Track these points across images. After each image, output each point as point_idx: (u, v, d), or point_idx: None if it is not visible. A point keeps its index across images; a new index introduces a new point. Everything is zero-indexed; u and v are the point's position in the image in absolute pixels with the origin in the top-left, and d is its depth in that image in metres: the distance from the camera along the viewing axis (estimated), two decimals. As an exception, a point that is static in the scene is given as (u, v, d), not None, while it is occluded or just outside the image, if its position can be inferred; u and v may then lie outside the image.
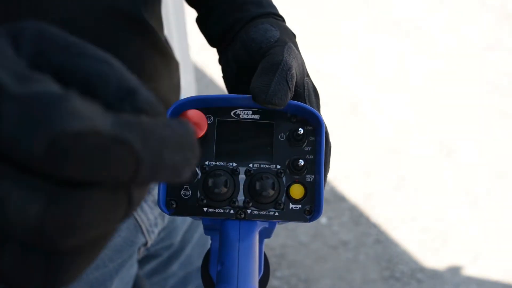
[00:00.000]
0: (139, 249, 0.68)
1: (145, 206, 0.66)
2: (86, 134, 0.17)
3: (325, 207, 2.10)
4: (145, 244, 0.68)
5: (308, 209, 0.41)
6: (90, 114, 0.17)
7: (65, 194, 0.17)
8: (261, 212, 0.40)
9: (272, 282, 1.86)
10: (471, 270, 1.91)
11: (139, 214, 0.66)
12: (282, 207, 0.40)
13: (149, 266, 0.74)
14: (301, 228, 2.03)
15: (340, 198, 2.16)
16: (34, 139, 0.16)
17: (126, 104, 0.20)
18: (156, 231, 0.69)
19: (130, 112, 0.20)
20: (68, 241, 0.18)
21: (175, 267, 0.76)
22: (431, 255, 1.96)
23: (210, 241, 0.42)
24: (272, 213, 0.40)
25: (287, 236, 2.01)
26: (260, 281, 0.41)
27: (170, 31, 1.82)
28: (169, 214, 0.40)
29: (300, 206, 0.41)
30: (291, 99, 0.41)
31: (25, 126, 0.16)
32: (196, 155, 0.20)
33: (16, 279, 0.19)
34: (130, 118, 0.18)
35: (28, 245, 0.18)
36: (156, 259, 0.74)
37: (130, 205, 0.19)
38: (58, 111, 0.17)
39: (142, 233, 0.67)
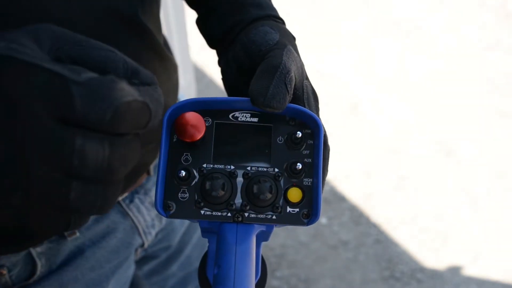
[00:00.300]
0: (136, 250, 0.68)
1: (142, 207, 0.66)
2: (132, 103, 0.26)
3: (325, 207, 2.10)
4: (142, 245, 0.68)
5: (305, 212, 0.41)
6: (129, 90, 0.26)
7: (119, 141, 0.26)
8: (259, 216, 0.40)
9: (272, 282, 1.86)
10: (471, 270, 1.91)
11: (136, 215, 0.66)
12: (279, 210, 0.40)
13: (147, 267, 0.74)
14: (301, 228, 2.03)
15: (340, 198, 2.16)
16: (103, 110, 0.25)
17: (135, 80, 0.29)
18: (153, 232, 0.69)
19: (139, 85, 0.29)
20: (124, 172, 0.27)
21: (174, 267, 0.76)
22: (431, 255, 1.96)
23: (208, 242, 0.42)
24: (269, 216, 0.40)
25: (287, 236, 2.01)
26: (257, 285, 0.41)
27: (170, 31, 1.82)
28: (166, 217, 0.40)
29: (297, 209, 0.41)
30: (290, 102, 0.41)
31: (93, 103, 0.24)
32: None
33: (82, 206, 0.27)
34: (145, 89, 0.28)
35: (88, 181, 0.26)
36: (154, 260, 0.74)
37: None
38: (115, 90, 0.25)
39: (139, 234, 0.67)
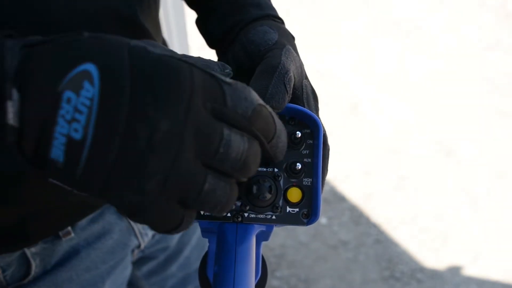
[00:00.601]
0: (132, 251, 0.68)
1: None
2: (264, 106, 0.30)
3: (325, 207, 2.10)
4: (139, 246, 0.68)
5: (305, 212, 0.41)
6: (259, 97, 0.31)
7: (254, 140, 0.30)
8: (258, 216, 0.40)
9: (272, 282, 1.86)
10: (471, 270, 1.91)
11: None
12: (279, 210, 0.40)
13: (146, 267, 0.74)
14: (301, 228, 2.03)
15: (340, 198, 2.16)
16: (246, 107, 0.29)
17: (226, 69, 0.36)
18: (150, 233, 0.69)
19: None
20: (252, 171, 0.30)
21: (173, 268, 0.76)
22: (431, 255, 1.96)
23: (208, 243, 0.42)
24: (269, 216, 0.40)
25: (287, 236, 2.01)
26: (257, 284, 0.41)
27: (170, 31, 1.82)
28: None
29: (297, 209, 0.41)
30: (289, 102, 0.41)
31: (239, 100, 0.29)
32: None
33: (211, 200, 0.29)
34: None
35: (221, 177, 0.29)
36: (152, 261, 0.74)
37: None
38: (252, 93, 0.30)
39: (135, 235, 0.67)
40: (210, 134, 0.28)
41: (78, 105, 0.26)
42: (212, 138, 0.28)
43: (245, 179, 0.31)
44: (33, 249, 0.57)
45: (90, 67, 0.27)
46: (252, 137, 0.30)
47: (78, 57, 0.27)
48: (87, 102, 0.26)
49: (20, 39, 0.29)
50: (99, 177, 0.27)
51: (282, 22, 0.50)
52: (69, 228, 0.59)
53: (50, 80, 0.27)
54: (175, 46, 1.88)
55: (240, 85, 0.30)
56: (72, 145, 0.26)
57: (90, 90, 0.26)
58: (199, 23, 0.54)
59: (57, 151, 0.27)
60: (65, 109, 0.26)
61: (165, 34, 1.74)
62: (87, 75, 0.26)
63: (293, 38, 0.48)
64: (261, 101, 0.30)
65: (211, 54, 0.52)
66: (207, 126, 0.28)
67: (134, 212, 0.28)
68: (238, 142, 0.29)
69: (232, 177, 0.30)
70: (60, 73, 0.27)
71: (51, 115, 0.26)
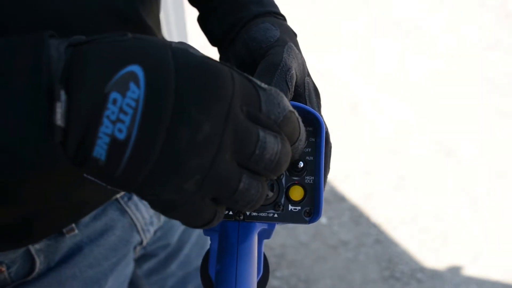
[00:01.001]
0: (135, 248, 0.68)
1: (140, 205, 0.66)
2: (293, 113, 0.32)
3: (325, 207, 2.10)
4: (141, 243, 0.68)
5: (307, 210, 0.40)
6: (287, 100, 0.32)
7: (285, 140, 0.31)
8: (260, 214, 0.40)
9: (272, 282, 1.86)
10: (471, 270, 1.91)
11: (134, 213, 0.66)
12: (281, 208, 0.40)
13: (147, 266, 0.74)
14: (301, 228, 2.03)
15: (340, 198, 2.16)
16: (278, 113, 0.31)
17: None
18: (152, 230, 0.69)
19: None
20: (282, 170, 0.31)
21: (173, 267, 0.76)
22: (431, 255, 1.96)
23: (208, 241, 0.42)
24: (271, 214, 0.40)
25: (287, 236, 2.01)
26: (259, 282, 0.40)
27: (170, 31, 1.82)
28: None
29: (299, 207, 0.40)
30: (292, 99, 0.41)
31: (273, 106, 0.30)
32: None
33: (244, 198, 0.30)
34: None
35: (255, 176, 0.30)
36: (153, 258, 0.74)
37: None
38: (284, 99, 0.31)
39: (138, 232, 0.67)
40: (247, 136, 0.29)
41: (123, 106, 0.27)
42: (249, 140, 0.29)
43: (275, 177, 0.32)
44: (37, 246, 0.57)
45: (136, 68, 0.27)
46: (283, 138, 0.31)
47: (124, 59, 0.28)
48: (133, 103, 0.27)
49: (64, 39, 0.29)
50: (139, 176, 0.28)
51: (284, 19, 0.50)
52: (73, 225, 0.59)
53: (97, 82, 0.27)
54: (175, 45, 1.88)
55: (274, 90, 0.31)
56: (115, 145, 0.27)
57: (135, 92, 0.27)
58: (201, 21, 0.53)
59: (100, 150, 0.27)
60: (111, 110, 0.27)
61: (165, 34, 1.73)
62: (133, 76, 0.27)
63: (295, 35, 0.48)
64: (291, 108, 0.32)
65: (212, 52, 0.52)
66: (244, 129, 0.29)
67: (169, 209, 0.29)
68: (272, 144, 0.30)
69: (264, 176, 0.31)
70: (106, 75, 0.27)
71: (97, 115, 0.27)
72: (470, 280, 1.88)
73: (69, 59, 0.28)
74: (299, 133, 0.33)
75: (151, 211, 0.68)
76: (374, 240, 2.01)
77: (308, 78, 0.44)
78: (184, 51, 0.29)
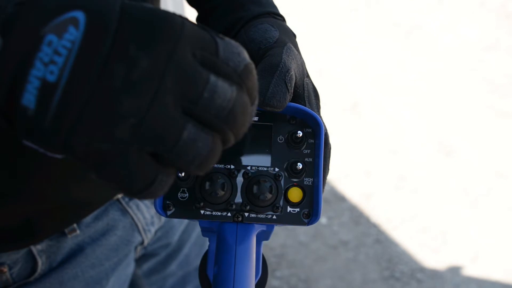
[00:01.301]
0: (136, 248, 0.68)
1: (141, 205, 0.66)
2: (254, 68, 0.29)
3: (325, 207, 2.10)
4: (142, 243, 0.68)
5: (306, 212, 0.40)
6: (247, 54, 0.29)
7: (244, 92, 0.28)
8: (259, 215, 0.40)
9: (272, 282, 1.86)
10: (471, 270, 1.91)
11: (135, 213, 0.66)
12: (280, 210, 0.40)
13: (147, 265, 0.74)
14: (301, 228, 2.03)
15: (340, 198, 2.16)
16: (239, 61, 0.28)
17: None
18: (153, 229, 0.69)
19: None
20: (242, 123, 0.28)
21: (173, 266, 0.76)
22: (431, 255, 1.96)
23: (208, 241, 0.42)
24: (269, 216, 0.40)
25: (287, 236, 2.01)
26: (257, 284, 0.40)
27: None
28: (166, 217, 0.40)
29: (298, 209, 0.40)
30: (291, 101, 0.41)
31: (232, 54, 0.28)
32: None
33: (189, 150, 0.26)
34: None
35: (204, 127, 0.27)
36: (154, 258, 0.74)
37: None
38: (245, 51, 0.29)
39: (139, 232, 0.67)
40: (194, 77, 0.26)
41: (58, 48, 0.25)
42: (195, 82, 0.26)
43: (233, 138, 0.28)
44: (39, 247, 0.57)
45: (79, 14, 0.25)
46: (241, 90, 0.28)
47: (67, 5, 0.26)
48: (68, 45, 0.25)
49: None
50: (67, 122, 0.24)
51: (283, 19, 0.50)
52: (75, 225, 0.59)
53: (34, 25, 0.25)
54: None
55: (234, 41, 0.29)
56: (45, 89, 0.24)
57: (73, 34, 0.25)
58: (200, 21, 0.53)
59: (30, 96, 0.25)
60: (45, 52, 0.25)
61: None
62: (74, 21, 0.25)
63: (294, 35, 0.47)
64: (252, 62, 0.29)
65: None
66: (191, 70, 0.26)
67: (101, 163, 0.25)
68: (225, 89, 0.27)
69: (217, 131, 0.27)
70: (46, 19, 0.25)
71: (29, 58, 0.25)
72: (470, 280, 1.88)
73: (13, 9, 0.26)
74: (257, 94, 0.30)
75: (152, 211, 0.68)
76: (374, 240, 2.01)
77: (307, 79, 0.44)
78: (136, 2, 0.27)
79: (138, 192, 0.26)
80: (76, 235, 0.60)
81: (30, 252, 0.57)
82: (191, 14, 0.57)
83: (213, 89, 0.26)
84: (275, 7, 0.50)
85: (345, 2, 3.23)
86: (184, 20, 0.27)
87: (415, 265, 1.93)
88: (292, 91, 0.41)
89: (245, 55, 0.28)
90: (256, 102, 0.30)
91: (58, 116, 0.24)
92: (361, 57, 2.84)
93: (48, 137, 0.25)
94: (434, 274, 1.90)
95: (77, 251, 0.60)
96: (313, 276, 1.90)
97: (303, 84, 0.43)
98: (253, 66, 0.29)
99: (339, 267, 1.92)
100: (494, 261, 1.93)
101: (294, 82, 0.41)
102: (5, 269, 0.56)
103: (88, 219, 0.61)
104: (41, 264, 0.58)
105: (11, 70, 0.25)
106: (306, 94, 0.43)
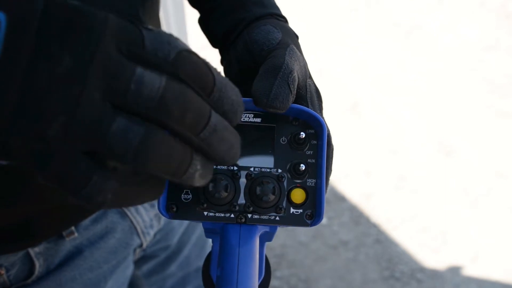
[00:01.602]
0: (134, 250, 0.68)
1: (140, 208, 0.66)
2: (193, 54, 0.28)
3: (325, 207, 2.10)
4: (141, 245, 0.68)
5: (309, 213, 0.40)
6: (184, 43, 0.28)
7: (177, 81, 0.27)
8: (262, 217, 0.40)
9: (272, 282, 1.86)
10: (471, 270, 1.91)
11: (134, 216, 0.66)
12: (283, 211, 0.40)
13: (146, 267, 0.74)
14: (301, 228, 2.03)
15: (340, 198, 2.16)
16: (168, 50, 0.27)
17: None
18: (152, 232, 0.69)
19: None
20: (176, 110, 0.27)
21: (173, 267, 0.76)
22: (431, 255, 1.96)
23: (208, 242, 0.42)
24: (272, 217, 0.40)
25: (287, 236, 2.01)
26: (260, 285, 0.40)
27: (170, 31, 1.82)
28: (170, 218, 0.40)
29: (301, 210, 0.40)
30: (293, 102, 0.41)
31: (160, 44, 0.27)
32: (243, 106, 0.31)
33: (119, 143, 0.26)
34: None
35: (134, 119, 0.26)
36: (153, 260, 0.74)
37: None
38: (178, 40, 0.28)
39: (137, 234, 0.67)
40: (119, 72, 0.26)
41: None
42: (121, 75, 0.26)
43: (175, 127, 0.27)
44: (36, 249, 0.57)
45: (0, 15, 0.25)
46: (175, 78, 0.27)
47: None
48: None
49: None
50: (2, 125, 0.25)
51: (285, 20, 0.50)
52: (73, 228, 0.59)
53: None
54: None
55: (164, 32, 0.28)
56: None
57: None
58: (202, 22, 0.53)
59: None
60: None
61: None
62: None
63: (296, 37, 0.47)
64: (190, 49, 0.28)
65: (213, 54, 0.52)
66: (116, 64, 0.26)
67: (40, 164, 0.26)
68: (153, 79, 0.26)
69: (151, 120, 0.27)
70: None
71: None
72: (470, 280, 1.88)
73: None
74: (214, 80, 0.28)
75: (151, 214, 0.68)
76: (374, 240, 2.01)
77: (310, 80, 0.44)
78: (61, 0, 0.27)
79: (75, 193, 0.26)
80: (74, 237, 0.59)
81: (28, 254, 0.56)
82: (192, 13, 0.57)
83: (139, 80, 0.26)
84: (277, 8, 0.50)
85: (345, 2, 3.23)
86: (107, 15, 0.27)
87: (415, 265, 1.93)
88: (295, 92, 0.41)
89: (177, 43, 0.28)
90: (219, 88, 0.29)
91: None
92: (361, 57, 2.84)
93: None
94: (434, 274, 1.90)
95: (75, 253, 0.60)
96: (313, 276, 1.90)
97: (306, 85, 0.43)
98: (189, 52, 0.28)
99: (339, 267, 1.92)
100: (494, 261, 1.93)
101: (297, 84, 0.41)
102: (3, 271, 0.56)
103: (86, 221, 0.60)
104: (38, 267, 0.57)
105: None
106: (308, 95, 0.43)
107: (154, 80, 0.26)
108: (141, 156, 0.26)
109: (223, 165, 0.39)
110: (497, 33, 2.99)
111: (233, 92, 0.30)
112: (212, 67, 0.29)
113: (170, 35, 0.28)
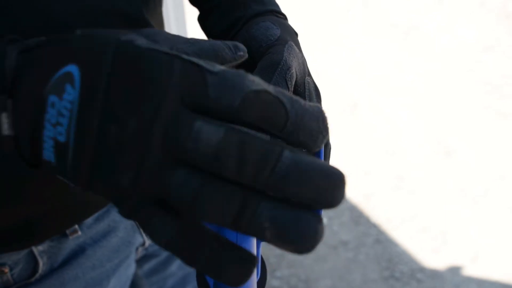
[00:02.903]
0: (137, 249, 0.68)
1: None
2: (262, 92, 0.26)
3: (324, 208, 2.10)
4: (143, 244, 0.68)
5: None
6: (261, 83, 0.26)
7: (238, 128, 0.26)
8: None
9: (272, 282, 1.86)
10: (471, 270, 1.91)
11: None
12: None
13: (148, 266, 0.74)
14: (301, 229, 2.02)
15: (339, 199, 2.16)
16: (233, 97, 0.26)
17: (240, 52, 0.36)
18: None
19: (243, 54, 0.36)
20: (231, 163, 0.25)
21: (174, 267, 0.76)
22: (431, 255, 1.96)
23: None
24: None
25: (287, 237, 2.01)
26: (257, 285, 0.40)
27: (170, 31, 1.82)
28: None
29: None
30: None
31: (224, 90, 0.26)
32: (327, 130, 0.28)
33: (181, 195, 0.26)
34: (283, 91, 0.27)
35: (194, 171, 0.26)
36: (154, 259, 0.74)
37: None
38: (246, 80, 0.26)
39: (140, 233, 0.67)
40: (177, 131, 0.26)
41: (61, 109, 0.27)
42: (179, 135, 0.26)
43: (235, 177, 0.26)
44: (40, 247, 0.57)
45: (73, 68, 0.27)
46: (236, 128, 0.26)
47: (62, 59, 0.28)
48: (69, 106, 0.27)
49: (19, 44, 0.30)
50: (83, 175, 0.28)
51: (285, 17, 0.50)
52: (76, 226, 0.59)
53: (37, 85, 0.28)
54: (174, 46, 1.87)
55: (231, 73, 0.26)
56: (59, 147, 0.28)
57: (71, 94, 0.27)
58: (201, 20, 0.54)
59: (48, 153, 0.28)
60: (50, 114, 0.27)
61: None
62: (69, 77, 0.27)
63: (296, 34, 0.48)
64: (258, 87, 0.26)
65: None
66: (174, 123, 0.26)
67: (116, 203, 0.29)
68: (210, 133, 0.25)
69: (211, 173, 0.26)
70: (45, 76, 0.28)
71: (39, 120, 0.28)
72: (470, 280, 1.88)
73: (18, 66, 0.29)
74: (286, 112, 0.26)
75: None
76: (374, 240, 2.01)
77: (309, 77, 0.44)
78: (128, 44, 0.27)
79: (143, 229, 0.29)
80: (77, 236, 0.60)
81: (31, 252, 0.57)
82: (192, 12, 0.57)
83: (196, 137, 0.25)
84: (276, 5, 0.50)
85: (342, 3, 3.24)
86: (173, 62, 0.27)
87: (415, 265, 1.93)
88: (293, 89, 0.41)
89: (243, 85, 0.26)
90: (293, 120, 0.26)
91: (75, 167, 0.28)
92: (359, 58, 2.84)
93: (72, 180, 0.28)
94: (434, 274, 1.90)
95: (78, 252, 0.60)
96: (313, 276, 1.90)
97: (304, 83, 0.43)
98: (256, 92, 0.26)
99: (339, 267, 1.92)
100: (494, 261, 1.93)
101: (294, 80, 0.41)
102: (6, 270, 0.56)
103: (89, 220, 0.61)
104: (42, 265, 0.58)
105: (27, 132, 0.28)
106: (307, 92, 0.43)
107: (211, 135, 0.25)
108: (194, 209, 0.26)
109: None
110: (495, 33, 2.99)
111: (312, 118, 0.27)
112: (287, 97, 0.26)
113: (237, 75, 0.26)
